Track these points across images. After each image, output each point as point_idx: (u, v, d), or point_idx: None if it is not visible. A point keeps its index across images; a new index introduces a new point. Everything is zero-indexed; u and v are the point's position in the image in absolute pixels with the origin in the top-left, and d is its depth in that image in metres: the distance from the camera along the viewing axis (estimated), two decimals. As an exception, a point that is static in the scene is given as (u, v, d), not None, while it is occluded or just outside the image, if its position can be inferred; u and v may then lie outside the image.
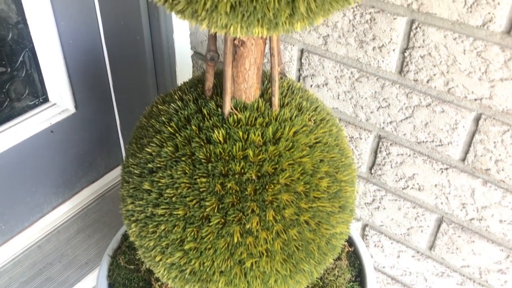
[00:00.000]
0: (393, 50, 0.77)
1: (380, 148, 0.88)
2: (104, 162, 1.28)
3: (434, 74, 0.75)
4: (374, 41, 0.78)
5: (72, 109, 1.11)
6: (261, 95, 0.64)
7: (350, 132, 0.90)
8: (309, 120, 0.64)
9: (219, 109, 0.61)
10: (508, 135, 0.72)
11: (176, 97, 0.66)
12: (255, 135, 0.59)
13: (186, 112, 0.62)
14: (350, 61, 0.83)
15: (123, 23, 1.03)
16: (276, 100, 0.61)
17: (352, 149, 0.92)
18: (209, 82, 0.63)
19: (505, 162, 0.74)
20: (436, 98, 0.76)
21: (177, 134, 0.61)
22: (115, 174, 1.33)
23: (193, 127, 0.60)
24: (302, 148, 0.61)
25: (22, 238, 1.14)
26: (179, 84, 0.70)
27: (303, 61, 0.89)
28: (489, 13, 0.66)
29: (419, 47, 0.74)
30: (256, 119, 0.61)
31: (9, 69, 0.98)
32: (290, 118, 0.62)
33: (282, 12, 0.42)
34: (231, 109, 0.61)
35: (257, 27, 0.44)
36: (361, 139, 0.89)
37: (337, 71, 0.85)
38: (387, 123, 0.84)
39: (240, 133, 0.59)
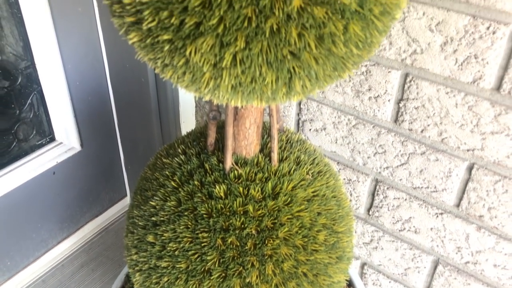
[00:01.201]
0: (388, 100, 0.80)
1: (377, 191, 0.90)
2: (108, 196, 1.30)
3: (428, 125, 0.77)
4: (370, 91, 0.81)
5: (77, 147, 1.14)
6: (261, 150, 0.66)
7: (348, 175, 0.93)
8: (307, 173, 0.67)
9: (221, 165, 0.64)
10: (499, 185, 0.74)
11: (179, 150, 0.68)
12: (255, 190, 0.62)
13: (189, 167, 0.65)
14: (347, 109, 0.86)
15: (128, 65, 1.07)
16: (275, 156, 0.64)
17: (350, 191, 0.95)
18: (211, 138, 0.66)
19: (498, 209, 0.76)
20: (430, 147, 0.79)
21: (180, 189, 0.64)
22: (119, 207, 1.36)
23: (196, 182, 0.63)
24: (300, 202, 0.63)
25: (27, 273, 1.16)
26: (183, 134, 0.73)
27: (302, 106, 0.92)
28: (478, 71, 0.69)
29: (413, 99, 0.77)
30: (256, 174, 0.63)
31: (18, 111, 1.02)
32: (289, 173, 0.65)
33: (279, 91, 0.45)
34: (232, 164, 0.63)
35: (256, 100, 0.47)
36: (358, 182, 0.92)
37: (335, 117, 0.88)
38: (384, 168, 0.87)
39: (241, 189, 0.62)
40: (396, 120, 0.81)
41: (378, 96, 0.81)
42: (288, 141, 0.70)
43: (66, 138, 1.13)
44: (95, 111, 1.14)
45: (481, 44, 0.67)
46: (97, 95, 1.13)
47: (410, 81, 0.76)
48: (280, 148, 0.68)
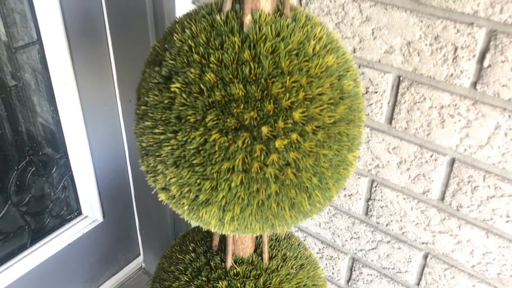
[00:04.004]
0: (360, 199, 0.98)
1: (354, 267, 1.08)
2: (124, 256, 1.48)
3: (391, 220, 0.96)
4: (345, 190, 0.99)
5: (100, 219, 1.33)
6: (255, 250, 0.84)
7: (330, 252, 1.10)
8: (292, 268, 0.85)
9: (223, 263, 0.82)
10: (448, 272, 0.92)
11: (190, 248, 0.87)
12: (249, 286, 0.80)
13: (198, 264, 0.83)
14: (328, 201, 1.04)
15: (145, 152, 1.26)
16: (265, 256, 0.82)
17: (333, 265, 1.12)
18: (215, 241, 0.84)
19: (449, 290, 0.94)
20: (394, 237, 0.97)
21: (191, 283, 0.81)
22: (133, 265, 1.53)
23: (203, 277, 0.81)
24: (286, 294, 0.81)
25: (54, 328, 1.33)
26: (192, 229, 0.91)
27: (291, 195, 1.10)
28: (426, 186, 0.87)
29: (378, 199, 0.95)
30: (250, 271, 0.81)
31: (52, 194, 1.20)
32: (277, 269, 0.83)
33: (265, 231, 0.64)
34: (232, 263, 0.81)
35: (249, 234, 0.66)
36: (339, 259, 1.10)
37: (318, 206, 1.06)
38: (358, 250, 1.05)
39: (238, 284, 0.79)
40: (366, 214, 0.99)
41: (351, 194, 0.99)
42: (276, 239, 0.88)
43: (91, 211, 1.31)
44: (115, 188, 1.33)
45: (427, 167, 0.85)
46: (118, 175, 1.32)
47: (376, 186, 0.94)
48: (270, 247, 0.86)
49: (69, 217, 1.28)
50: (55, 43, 1.04)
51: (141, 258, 1.55)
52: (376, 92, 0.85)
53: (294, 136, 0.56)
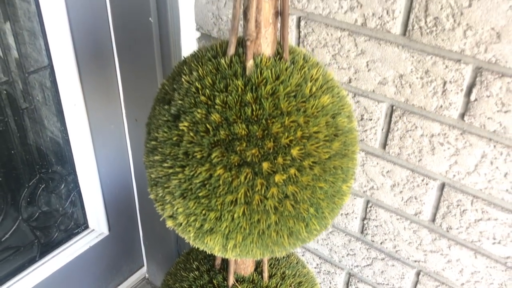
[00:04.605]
0: (356, 218, 1.03)
1: (350, 282, 1.12)
2: (128, 267, 1.53)
3: (385, 239, 1.00)
4: (342, 209, 1.04)
5: (106, 232, 1.37)
6: (255, 269, 0.89)
7: (328, 268, 1.15)
8: (290, 285, 0.90)
9: (225, 282, 0.86)
10: (439, 289, 0.97)
11: (194, 266, 0.91)
12: (250, 303, 0.84)
13: (201, 282, 0.88)
14: (325, 219, 1.09)
15: (150, 168, 1.31)
16: (265, 275, 0.87)
17: (330, 280, 1.17)
18: (218, 261, 0.89)
19: (440, 306, 0.99)
20: (388, 255, 1.02)
21: (195, 300, 0.86)
22: (137, 276, 1.58)
23: (207, 295, 0.86)
24: (284, 311, 0.86)
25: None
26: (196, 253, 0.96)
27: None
28: (418, 208, 0.92)
29: (373, 219, 1.00)
30: (251, 289, 0.86)
31: (61, 209, 1.25)
32: (276, 287, 0.88)
33: (266, 256, 0.69)
34: (234, 282, 0.86)
35: (252, 258, 0.70)
36: (336, 274, 1.14)
37: (316, 224, 1.11)
38: (354, 266, 1.09)
39: (240, 302, 0.84)
40: (362, 232, 1.04)
41: (348, 213, 1.04)
42: (276, 258, 0.93)
43: (97, 225, 1.36)
44: (121, 202, 1.38)
45: (419, 190, 0.90)
46: (123, 189, 1.36)
47: (371, 206, 0.99)
48: (269, 265, 0.91)
49: (76, 230, 1.32)
50: (66, 67, 1.09)
51: (144, 269, 1.60)
52: (371, 120, 0.90)
53: (292, 171, 0.60)
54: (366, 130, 0.92)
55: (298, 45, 0.93)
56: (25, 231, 1.20)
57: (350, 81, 0.89)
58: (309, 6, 0.87)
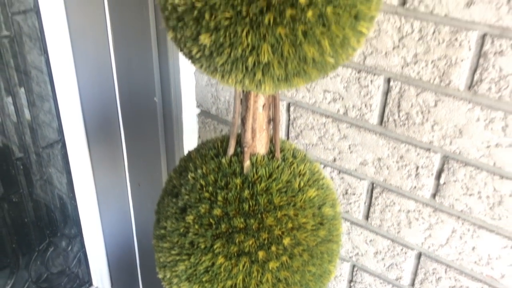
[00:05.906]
0: (343, 280, 1.12)
1: (340, 338, 1.20)
2: (128, 320, 1.60)
3: (370, 300, 1.09)
4: (330, 272, 1.13)
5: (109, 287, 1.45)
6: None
7: (318, 324, 1.23)
8: None
9: None
10: None
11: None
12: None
13: None
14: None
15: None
16: None
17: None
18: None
19: None
20: (373, 315, 1.10)
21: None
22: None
23: None
24: None
25: None
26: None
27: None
28: (399, 273, 1.01)
29: (359, 282, 1.09)
30: None
31: (67, 269, 1.33)
32: None
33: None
34: None
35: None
36: (326, 330, 1.22)
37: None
38: (343, 324, 1.18)
39: None
40: (349, 293, 1.13)
41: (336, 276, 1.13)
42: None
43: (101, 282, 1.44)
44: (123, 260, 1.46)
45: (399, 258, 1.00)
46: (126, 248, 1.45)
47: (356, 270, 1.08)
48: None
49: (81, 288, 1.40)
50: (76, 141, 1.19)
51: (143, 320, 1.66)
52: (354, 194, 1.00)
53: (284, 258, 0.70)
54: (350, 203, 1.02)
55: (288, 127, 1.04)
56: (34, 291, 1.27)
57: (335, 160, 1.00)
58: (297, 95, 0.99)
